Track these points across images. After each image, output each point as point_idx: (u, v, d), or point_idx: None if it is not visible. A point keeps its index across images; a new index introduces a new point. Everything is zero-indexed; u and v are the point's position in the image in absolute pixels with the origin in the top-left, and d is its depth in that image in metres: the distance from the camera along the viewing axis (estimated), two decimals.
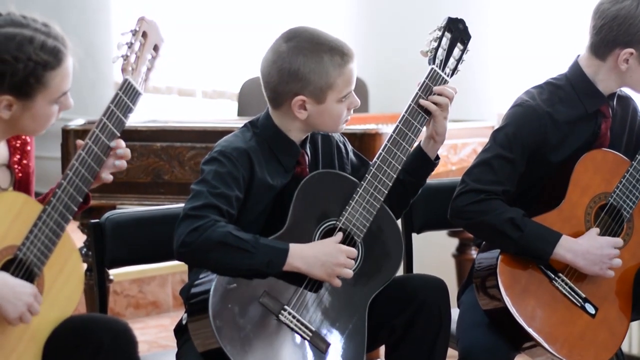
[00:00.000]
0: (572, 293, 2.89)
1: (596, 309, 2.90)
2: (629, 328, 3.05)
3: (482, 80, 4.82)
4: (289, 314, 2.64)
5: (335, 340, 2.70)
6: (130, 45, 2.54)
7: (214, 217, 2.58)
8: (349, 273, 2.66)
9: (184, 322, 2.71)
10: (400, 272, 2.88)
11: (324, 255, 2.63)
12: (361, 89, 4.88)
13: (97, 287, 2.90)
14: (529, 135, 2.91)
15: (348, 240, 2.71)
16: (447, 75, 2.83)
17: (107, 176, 2.55)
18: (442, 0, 4.73)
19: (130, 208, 3.32)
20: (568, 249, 2.85)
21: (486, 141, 2.98)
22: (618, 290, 2.94)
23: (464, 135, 4.26)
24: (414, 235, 3.28)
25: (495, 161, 2.90)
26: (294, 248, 2.61)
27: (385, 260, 2.79)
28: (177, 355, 2.77)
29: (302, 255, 2.61)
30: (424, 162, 2.85)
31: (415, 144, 2.85)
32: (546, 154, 2.93)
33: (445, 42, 2.83)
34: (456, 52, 2.85)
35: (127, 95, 2.53)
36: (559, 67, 3.06)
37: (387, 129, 3.84)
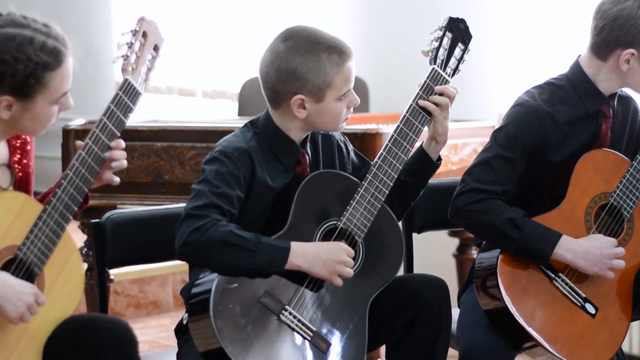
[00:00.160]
0: (572, 293, 2.89)
1: (596, 308, 2.90)
2: (630, 328, 3.05)
3: (483, 80, 4.82)
4: (290, 314, 2.64)
5: (336, 340, 2.70)
6: (130, 45, 2.54)
7: (215, 217, 2.58)
8: (350, 272, 2.66)
9: (184, 322, 2.71)
10: (400, 272, 2.88)
11: (325, 254, 2.63)
12: (362, 89, 4.88)
13: (98, 287, 2.90)
14: (529, 135, 2.91)
15: (349, 240, 2.71)
16: (448, 75, 2.82)
17: (112, 177, 2.54)
18: (443, 0, 4.73)
19: (131, 208, 3.32)
20: (568, 249, 2.85)
21: (486, 141, 2.98)
22: (618, 290, 2.94)
23: (464, 135, 4.26)
24: (414, 235, 3.28)
25: (495, 161, 2.90)
26: (296, 246, 2.61)
27: (386, 260, 2.79)
28: (178, 355, 2.77)
29: (303, 254, 2.61)
30: (425, 163, 2.85)
31: (417, 145, 2.85)
32: (546, 154, 2.93)
33: (446, 41, 2.83)
34: (457, 51, 2.85)
35: (127, 95, 2.53)
36: (559, 67, 3.06)
37: (388, 129, 3.84)
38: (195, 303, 2.64)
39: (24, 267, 2.42)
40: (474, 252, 4.20)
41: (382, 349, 2.88)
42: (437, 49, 2.82)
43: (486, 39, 4.67)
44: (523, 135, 2.91)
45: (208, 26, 6.09)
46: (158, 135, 4.03)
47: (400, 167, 2.75)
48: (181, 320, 2.76)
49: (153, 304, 5.31)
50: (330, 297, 2.70)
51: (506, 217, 2.84)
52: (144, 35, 2.58)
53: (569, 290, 2.89)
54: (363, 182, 2.73)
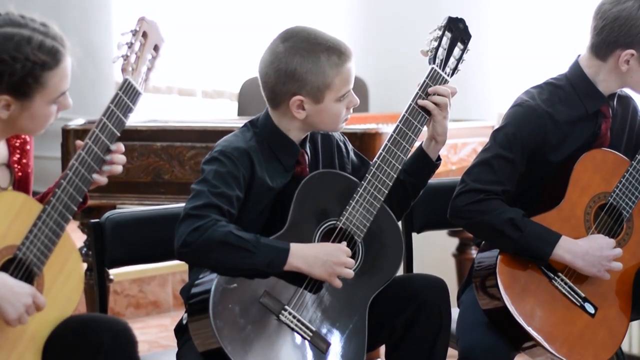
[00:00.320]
0: (572, 292, 2.89)
1: (596, 308, 2.90)
2: (629, 327, 3.05)
3: (482, 79, 4.82)
4: (290, 314, 2.64)
5: (336, 340, 2.70)
6: (130, 45, 2.54)
7: (214, 217, 2.58)
8: (350, 273, 2.66)
9: (184, 321, 2.71)
10: (400, 271, 2.88)
11: (324, 255, 2.63)
12: (361, 89, 4.88)
13: (97, 287, 2.90)
14: (529, 135, 2.91)
15: (348, 240, 2.71)
16: (448, 75, 2.83)
17: (100, 178, 2.52)
18: (442, 0, 4.73)
19: (131, 208, 3.32)
20: (567, 249, 2.85)
21: (486, 141, 2.98)
22: (618, 289, 2.94)
23: (463, 134, 4.26)
24: (414, 234, 3.28)
25: (495, 161, 2.90)
26: (295, 248, 2.61)
27: (386, 260, 2.79)
28: (178, 355, 2.77)
29: (302, 255, 2.61)
30: (425, 163, 2.85)
31: (417, 145, 2.85)
32: (546, 154, 2.93)
33: (445, 41, 2.83)
34: (456, 51, 2.85)
35: (127, 95, 2.52)
36: (559, 67, 3.06)
37: (387, 129, 3.84)
38: (194, 303, 2.64)
39: (24, 267, 2.42)
40: (474, 252, 4.21)
41: (382, 349, 2.88)
42: (437, 48, 2.82)
43: (486, 39, 4.67)
44: (523, 135, 2.91)
45: (208, 26, 6.09)
46: (158, 135, 4.03)
47: (400, 167, 2.75)
48: (181, 320, 2.76)
49: (153, 303, 5.31)
50: (329, 297, 2.70)
51: (506, 217, 2.85)
52: (144, 35, 2.57)
53: (569, 289, 2.89)
54: (362, 182, 2.73)
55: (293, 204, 2.67)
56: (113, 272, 4.02)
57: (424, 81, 2.80)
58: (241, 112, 5.10)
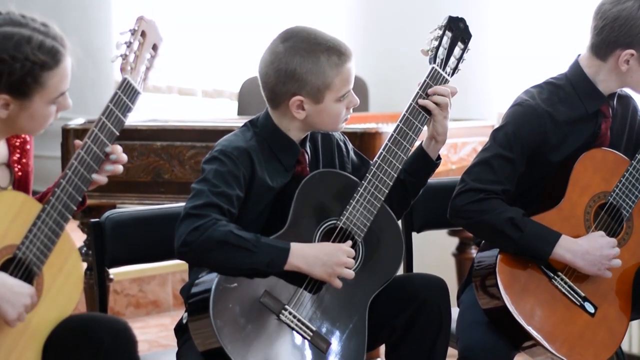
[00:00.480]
0: (572, 292, 2.89)
1: (595, 308, 2.90)
2: (629, 327, 3.05)
3: (482, 79, 4.82)
4: (290, 313, 2.64)
5: (336, 340, 2.70)
6: (129, 45, 2.54)
7: (215, 216, 2.58)
8: (350, 273, 2.66)
9: (184, 321, 2.71)
10: (400, 271, 2.88)
11: (324, 255, 2.63)
12: (361, 88, 4.89)
13: (97, 287, 2.90)
14: (529, 134, 2.91)
15: (348, 239, 2.71)
16: (448, 75, 2.82)
17: (100, 177, 2.52)
18: (442, 0, 4.73)
19: (130, 207, 3.32)
20: (567, 249, 2.85)
21: (486, 140, 2.98)
22: (618, 289, 2.94)
23: (463, 134, 4.26)
24: (414, 234, 3.28)
25: (495, 160, 2.90)
26: (295, 247, 2.61)
27: (386, 259, 2.79)
28: (178, 355, 2.77)
29: (303, 255, 2.61)
30: (425, 162, 2.84)
31: (417, 144, 2.85)
32: (546, 154, 2.93)
33: (446, 41, 2.83)
34: (457, 51, 2.85)
35: (126, 94, 2.52)
36: (559, 67, 3.06)
37: (388, 128, 3.84)
38: (195, 302, 2.64)
39: (23, 267, 2.41)
40: (474, 252, 4.21)
41: (382, 349, 2.88)
42: (437, 48, 2.82)
43: (486, 39, 4.67)
44: (522, 135, 2.91)
45: (208, 26, 6.09)
46: (157, 134, 4.03)
47: (400, 167, 2.75)
48: (181, 320, 2.76)
49: (153, 303, 5.31)
50: (329, 296, 2.70)
51: (506, 217, 2.84)
52: (143, 34, 2.57)
53: (568, 289, 2.89)
54: (363, 182, 2.73)
55: (293, 203, 2.67)
56: (113, 272, 4.02)
57: (425, 81, 2.80)
58: (241, 112, 5.10)
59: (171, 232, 2.63)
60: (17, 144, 2.60)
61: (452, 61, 2.84)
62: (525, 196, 2.97)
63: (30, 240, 2.41)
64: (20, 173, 2.59)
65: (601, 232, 2.90)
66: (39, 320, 2.45)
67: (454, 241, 4.52)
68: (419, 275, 2.85)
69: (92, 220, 2.88)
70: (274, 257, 2.59)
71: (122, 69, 2.54)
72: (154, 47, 2.61)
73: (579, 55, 3.01)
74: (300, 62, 2.67)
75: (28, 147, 2.62)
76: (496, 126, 3.03)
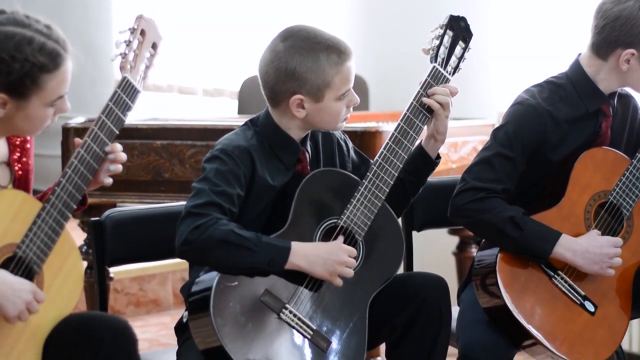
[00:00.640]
0: (572, 291, 2.89)
1: (595, 306, 2.90)
2: (629, 326, 3.05)
3: (483, 78, 4.82)
4: (290, 312, 2.64)
5: (336, 339, 2.70)
6: (128, 43, 2.54)
7: (216, 215, 2.58)
8: (351, 272, 2.66)
9: (184, 320, 2.71)
10: (400, 270, 2.88)
11: (325, 253, 2.63)
12: (362, 87, 4.89)
13: (98, 285, 2.90)
14: (529, 133, 2.91)
15: (349, 238, 2.71)
16: (449, 74, 2.82)
17: (106, 179, 2.53)
18: None
19: (131, 206, 3.32)
20: (568, 248, 2.85)
21: (486, 139, 2.98)
22: (618, 288, 2.94)
23: (464, 133, 4.26)
24: (414, 233, 3.28)
25: (495, 159, 2.90)
26: (296, 246, 2.61)
27: (386, 258, 2.79)
28: (178, 353, 2.77)
29: (304, 254, 2.61)
30: (424, 161, 2.84)
31: (417, 143, 2.85)
32: (546, 153, 2.93)
33: (447, 40, 2.83)
34: (458, 50, 2.84)
35: (126, 93, 2.52)
36: (559, 66, 3.06)
37: (388, 127, 3.84)
38: (195, 301, 2.64)
39: (23, 265, 2.42)
40: (474, 250, 4.21)
41: (382, 347, 2.88)
42: (438, 47, 2.82)
43: (486, 38, 4.67)
44: (523, 134, 2.91)
45: (208, 24, 6.09)
46: (158, 133, 4.03)
47: (401, 166, 2.75)
48: (181, 318, 2.76)
49: (153, 302, 5.32)
50: (330, 295, 2.70)
51: (506, 216, 2.84)
52: (142, 33, 2.57)
53: (568, 288, 2.89)
54: (364, 181, 2.73)
55: (294, 202, 2.67)
56: (113, 271, 4.02)
57: (426, 80, 2.80)
58: (241, 111, 5.10)
59: (171, 231, 2.63)
60: (18, 142, 2.60)
61: (453, 60, 2.84)
62: (526, 195, 2.97)
63: (31, 239, 2.41)
64: (20, 172, 2.59)
65: (597, 231, 2.90)
66: (39, 319, 2.45)
67: (454, 240, 4.52)
68: (420, 274, 2.85)
69: (93, 219, 2.88)
70: (275, 256, 2.59)
71: (122, 68, 2.54)
72: (154, 46, 2.61)
73: (580, 54, 3.01)
74: (300, 61, 2.67)
75: (28, 146, 2.62)
76: (497, 125, 3.03)
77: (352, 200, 2.71)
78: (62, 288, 2.50)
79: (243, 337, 2.58)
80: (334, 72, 2.68)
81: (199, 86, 6.20)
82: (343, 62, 2.69)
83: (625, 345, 4.19)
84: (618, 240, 2.89)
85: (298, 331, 2.65)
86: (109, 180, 2.54)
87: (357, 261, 2.72)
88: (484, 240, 3.00)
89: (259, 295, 2.62)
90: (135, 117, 3.44)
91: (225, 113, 5.72)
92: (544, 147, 2.93)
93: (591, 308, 2.90)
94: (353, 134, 3.70)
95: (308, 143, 2.79)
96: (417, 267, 3.16)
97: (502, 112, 3.08)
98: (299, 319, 2.65)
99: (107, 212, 2.89)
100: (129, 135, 3.95)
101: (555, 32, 4.58)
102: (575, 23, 4.38)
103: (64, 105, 2.51)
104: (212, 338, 2.57)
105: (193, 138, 3.99)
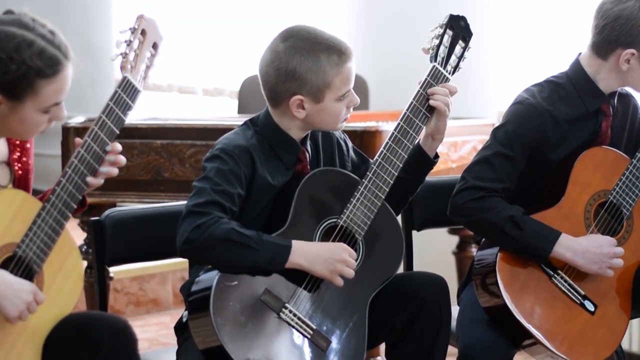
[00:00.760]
0: (572, 290, 2.89)
1: (595, 306, 2.90)
2: (629, 325, 3.05)
3: (483, 77, 4.82)
4: (290, 312, 2.64)
5: (336, 338, 2.70)
6: (129, 43, 2.54)
7: (217, 214, 2.58)
8: (351, 272, 2.65)
9: (184, 319, 2.71)
10: (400, 269, 2.88)
11: (326, 252, 2.63)
12: (361, 87, 4.89)
13: (97, 285, 2.90)
14: (529, 133, 2.91)
15: (349, 238, 2.71)
16: (449, 73, 2.82)
17: (95, 180, 2.50)
18: None
19: (131, 206, 3.32)
20: (567, 247, 2.85)
21: (486, 139, 2.98)
22: (618, 287, 2.94)
23: (464, 132, 4.26)
24: (414, 232, 3.28)
25: (495, 159, 2.90)
26: (297, 245, 2.61)
27: (386, 258, 2.79)
28: (178, 353, 2.77)
29: (304, 253, 2.61)
30: (423, 160, 2.84)
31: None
32: (546, 152, 2.93)
33: (447, 39, 2.83)
34: (458, 49, 2.85)
35: (126, 93, 2.52)
36: (559, 65, 3.06)
37: (388, 127, 3.84)
38: (195, 300, 2.64)
39: (23, 265, 2.42)
40: (474, 250, 4.20)
41: (382, 347, 2.88)
42: (438, 46, 2.82)
43: (486, 37, 4.67)
44: (523, 133, 2.91)
45: (208, 24, 6.10)
46: (158, 132, 4.03)
47: (401, 165, 2.75)
48: (181, 318, 2.76)
49: (153, 301, 5.32)
50: (330, 295, 2.70)
51: (506, 215, 2.85)
52: (143, 33, 2.57)
53: (568, 287, 2.89)
54: (364, 180, 2.73)
55: (294, 201, 2.68)
56: (113, 270, 4.02)
57: (426, 79, 2.80)
58: (241, 110, 5.10)
59: (171, 231, 2.63)
60: (18, 142, 2.59)
61: (453, 59, 2.84)
62: (526, 194, 2.97)
63: (30, 239, 2.41)
64: (20, 172, 2.59)
65: (598, 233, 2.90)
66: (38, 318, 2.45)
67: (454, 239, 4.52)
68: (419, 274, 2.85)
69: (92, 218, 2.88)
70: (276, 255, 2.59)
71: (122, 68, 2.54)
72: (154, 46, 2.61)
73: (580, 54, 3.01)
74: (301, 61, 2.67)
75: (28, 145, 2.62)
76: (496, 124, 3.03)
77: (352, 199, 2.71)
78: (62, 288, 2.50)
79: (243, 336, 2.58)
80: (335, 72, 2.68)
81: (199, 86, 6.20)
82: (343, 63, 2.69)
83: (625, 345, 4.19)
84: (615, 241, 2.89)
85: (298, 331, 2.65)
86: (99, 181, 2.52)
87: (357, 261, 2.72)
88: (483, 239, 3.00)
89: (259, 295, 2.62)
90: (135, 116, 3.43)
91: (225, 112, 5.73)
92: (543, 147, 2.93)
93: (591, 307, 2.90)
94: (353, 134, 3.70)
95: (308, 143, 2.79)
96: (417, 267, 3.16)
97: (502, 111, 3.09)
98: (299, 318, 2.65)
99: (107, 212, 2.89)
100: (129, 134, 3.95)
101: (555, 32, 4.58)
102: (575, 23, 4.38)
103: (60, 113, 2.49)
104: (212, 337, 2.57)
105: (193, 137, 3.99)
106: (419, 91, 2.79)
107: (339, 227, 2.71)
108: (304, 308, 2.67)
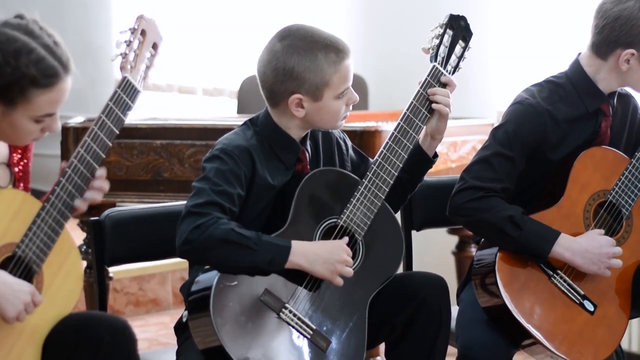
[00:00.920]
0: (571, 290, 2.89)
1: (595, 306, 2.90)
2: (629, 325, 3.05)
3: (482, 77, 4.82)
4: (290, 312, 2.64)
5: (336, 338, 2.70)
6: (129, 44, 2.54)
7: (216, 215, 2.58)
8: (351, 271, 2.65)
9: (184, 319, 2.71)
10: (400, 269, 2.88)
11: (325, 252, 2.63)
12: (361, 87, 4.88)
13: (97, 285, 2.91)
14: (529, 133, 2.91)
15: (349, 238, 2.71)
16: (449, 73, 2.82)
17: (81, 205, 2.49)
18: None
19: (130, 206, 3.32)
20: (566, 247, 2.85)
21: (486, 139, 2.98)
22: (617, 287, 2.94)
23: (463, 132, 4.26)
24: (413, 232, 3.28)
25: (494, 159, 2.90)
26: (296, 245, 2.61)
27: (386, 258, 2.79)
28: (178, 353, 2.77)
29: (304, 253, 2.61)
30: (422, 159, 2.84)
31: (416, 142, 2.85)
32: (546, 152, 2.93)
33: (447, 39, 2.83)
34: (458, 49, 2.85)
35: (126, 93, 2.52)
36: (559, 66, 3.06)
37: (387, 127, 3.84)
38: (195, 300, 2.64)
39: (23, 265, 2.41)
40: (473, 250, 4.19)
41: (382, 347, 2.88)
42: (438, 46, 2.82)
43: (486, 37, 4.67)
44: (522, 133, 2.91)
45: (208, 24, 6.09)
46: (157, 132, 4.03)
47: (401, 165, 2.75)
48: (181, 318, 2.76)
49: (152, 301, 5.31)
50: (330, 295, 2.70)
51: (505, 215, 2.85)
52: (143, 33, 2.57)
53: (568, 287, 2.89)
54: (363, 180, 2.73)
55: (294, 202, 2.67)
56: (113, 270, 4.01)
57: (426, 79, 2.80)
58: (241, 110, 5.10)
59: (171, 231, 2.63)
60: None
61: (453, 59, 2.84)
62: (525, 194, 2.97)
63: (30, 239, 2.41)
64: (20, 173, 2.58)
65: (600, 230, 2.90)
66: (38, 318, 2.45)
67: (454, 239, 4.52)
68: (419, 274, 2.85)
69: (92, 218, 2.88)
70: (275, 255, 2.59)
71: (122, 68, 2.53)
72: (154, 46, 2.61)
73: (580, 54, 3.01)
74: (298, 60, 2.67)
75: (29, 147, 2.61)
76: (496, 124, 3.03)
77: (351, 199, 2.71)
78: (62, 288, 2.49)
79: (243, 336, 2.58)
80: (333, 70, 2.68)
81: (199, 86, 6.20)
82: (341, 61, 2.69)
83: (624, 345, 4.19)
84: (614, 241, 2.89)
85: (298, 331, 2.65)
86: (84, 207, 2.50)
87: (357, 261, 2.72)
88: (483, 239, 3.00)
89: (259, 295, 2.62)
90: (135, 116, 3.43)
91: (225, 112, 5.72)
92: (543, 147, 2.93)
93: (590, 307, 2.90)
94: (353, 134, 3.70)
95: (308, 142, 2.79)
96: (417, 267, 3.16)
97: (502, 111, 3.08)
98: (299, 318, 2.65)
99: (106, 212, 2.89)
100: (129, 134, 3.95)
101: (555, 32, 4.58)
102: (575, 23, 4.38)
103: (54, 124, 2.48)
104: (212, 337, 2.57)
105: (193, 138, 3.99)
106: (419, 91, 2.79)
107: (338, 227, 2.71)
108: (304, 308, 2.67)
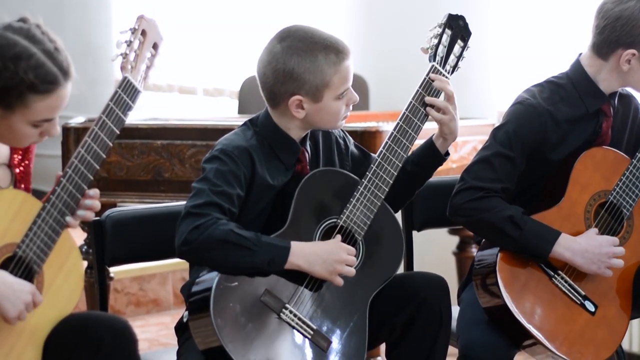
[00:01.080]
0: (572, 290, 2.89)
1: (596, 306, 2.90)
2: (629, 326, 3.05)
3: (483, 78, 4.82)
4: (290, 312, 2.64)
5: (336, 339, 2.70)
6: (129, 44, 2.54)
7: (215, 215, 2.58)
8: (351, 271, 2.65)
9: (184, 319, 2.71)
10: (400, 269, 2.88)
11: (325, 253, 2.63)
12: (361, 87, 4.88)
13: (98, 285, 2.91)
14: (529, 133, 2.91)
15: (349, 238, 2.71)
16: (448, 72, 2.83)
17: (72, 221, 2.48)
18: None
19: (131, 206, 3.32)
20: (567, 247, 2.85)
21: (486, 139, 2.98)
22: (618, 288, 2.94)
23: (464, 133, 4.23)
24: (414, 232, 3.28)
25: (495, 159, 2.90)
26: (296, 246, 2.61)
27: (386, 258, 2.79)
28: (178, 353, 2.77)
29: (303, 253, 2.61)
30: (434, 155, 2.84)
31: (417, 143, 2.84)
32: (546, 153, 2.93)
33: (445, 38, 2.83)
34: (457, 49, 2.85)
35: (127, 93, 2.52)
36: (559, 66, 3.06)
37: (388, 127, 3.84)
38: (195, 301, 2.64)
39: (23, 265, 2.42)
40: (474, 250, 4.20)
41: (382, 347, 2.88)
42: (437, 46, 2.82)
43: (486, 37, 4.67)
44: (523, 134, 2.91)
45: (208, 24, 6.09)
46: (158, 133, 4.03)
47: (400, 165, 2.75)
48: (181, 318, 2.76)
49: (153, 302, 5.32)
50: (330, 295, 2.70)
51: (505, 215, 2.84)
52: (143, 33, 2.57)
53: (568, 287, 2.89)
54: (363, 180, 2.73)
55: (294, 202, 2.68)
56: (113, 270, 4.02)
57: (425, 79, 2.80)
58: (241, 110, 5.10)
59: (171, 231, 2.63)
60: None
61: (452, 59, 2.84)
62: (525, 194, 2.97)
63: (31, 239, 2.41)
64: (21, 175, 2.58)
65: (595, 230, 2.90)
66: (39, 318, 2.45)
67: (455, 240, 4.52)
68: (420, 274, 2.85)
69: (93, 218, 2.88)
70: (275, 256, 2.59)
71: (123, 68, 2.53)
72: (155, 46, 2.61)
73: (580, 54, 3.01)
74: (298, 61, 2.66)
75: (30, 148, 2.61)
76: (496, 125, 3.03)
77: (351, 199, 2.72)
78: (62, 288, 2.50)
79: (243, 337, 2.58)
80: (333, 71, 2.68)
81: (199, 86, 6.20)
82: (341, 62, 2.69)
83: (625, 345, 4.19)
84: (616, 239, 2.89)
85: (298, 331, 2.65)
86: (74, 223, 2.51)
87: (357, 261, 2.72)
88: (484, 240, 3.00)
89: (259, 296, 2.62)
90: (136, 116, 3.43)
91: (225, 113, 5.72)
92: (543, 147, 2.93)
93: (591, 308, 2.90)
94: (353, 134, 3.69)
95: (308, 143, 2.80)
96: (417, 267, 3.16)
97: (502, 111, 3.09)
98: (299, 318, 2.65)
99: (107, 212, 2.89)
100: (129, 135, 3.95)
101: (556, 32, 4.58)
102: (575, 23, 4.38)
103: (52, 129, 2.47)
104: (212, 338, 2.57)
105: (193, 138, 3.99)
106: (418, 91, 2.79)
107: (338, 227, 2.71)
108: (304, 308, 2.67)
